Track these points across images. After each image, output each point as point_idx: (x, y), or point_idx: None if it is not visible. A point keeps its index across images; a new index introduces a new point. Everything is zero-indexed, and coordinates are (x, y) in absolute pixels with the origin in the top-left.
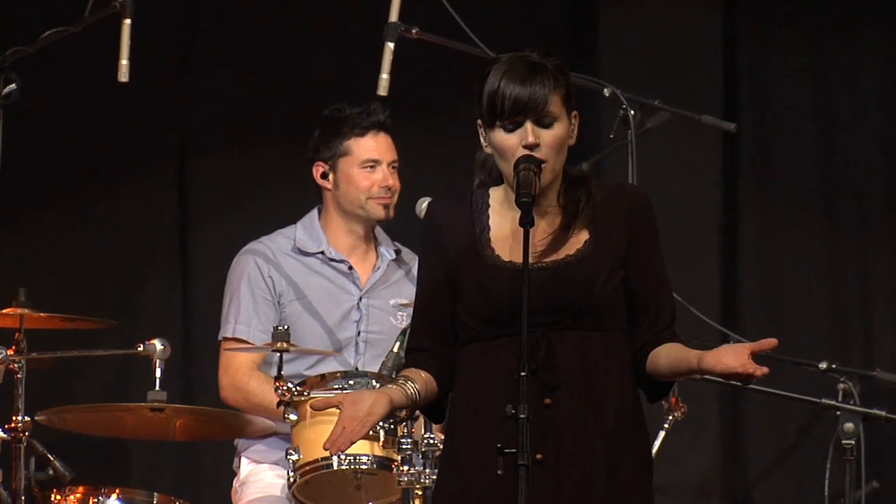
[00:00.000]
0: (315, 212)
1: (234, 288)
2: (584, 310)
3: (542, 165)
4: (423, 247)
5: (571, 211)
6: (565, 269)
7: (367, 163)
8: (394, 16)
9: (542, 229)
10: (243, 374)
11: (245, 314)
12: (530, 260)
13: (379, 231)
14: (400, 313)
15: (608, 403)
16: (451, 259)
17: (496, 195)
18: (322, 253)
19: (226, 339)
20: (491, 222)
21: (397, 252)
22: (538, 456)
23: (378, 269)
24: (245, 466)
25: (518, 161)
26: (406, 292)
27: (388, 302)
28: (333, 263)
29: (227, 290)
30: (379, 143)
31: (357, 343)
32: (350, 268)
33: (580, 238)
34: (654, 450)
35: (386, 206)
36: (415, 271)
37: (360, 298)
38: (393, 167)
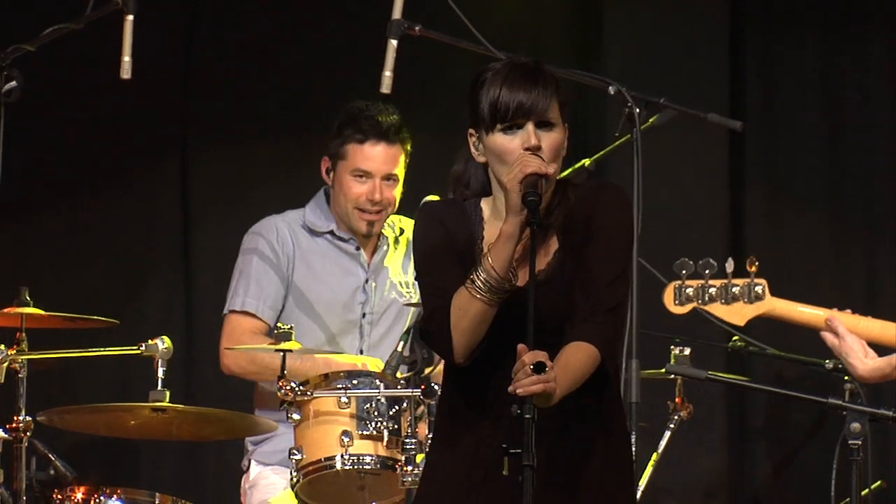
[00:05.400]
0: (322, 194)
1: (245, 263)
2: (557, 329)
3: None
4: (430, 238)
5: (544, 217)
6: (537, 289)
7: (358, 172)
8: (397, 13)
9: (521, 243)
10: (248, 338)
11: (255, 289)
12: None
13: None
14: (405, 291)
15: (588, 416)
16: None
17: (487, 207)
18: (331, 233)
19: (233, 311)
20: (486, 234)
21: (402, 231)
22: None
23: (379, 249)
24: (254, 467)
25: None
26: (409, 268)
27: (391, 281)
28: (341, 243)
29: (236, 266)
30: (375, 153)
31: (362, 325)
32: (357, 248)
33: (549, 250)
34: (660, 450)
35: (370, 223)
36: None
37: (366, 280)
38: (389, 180)
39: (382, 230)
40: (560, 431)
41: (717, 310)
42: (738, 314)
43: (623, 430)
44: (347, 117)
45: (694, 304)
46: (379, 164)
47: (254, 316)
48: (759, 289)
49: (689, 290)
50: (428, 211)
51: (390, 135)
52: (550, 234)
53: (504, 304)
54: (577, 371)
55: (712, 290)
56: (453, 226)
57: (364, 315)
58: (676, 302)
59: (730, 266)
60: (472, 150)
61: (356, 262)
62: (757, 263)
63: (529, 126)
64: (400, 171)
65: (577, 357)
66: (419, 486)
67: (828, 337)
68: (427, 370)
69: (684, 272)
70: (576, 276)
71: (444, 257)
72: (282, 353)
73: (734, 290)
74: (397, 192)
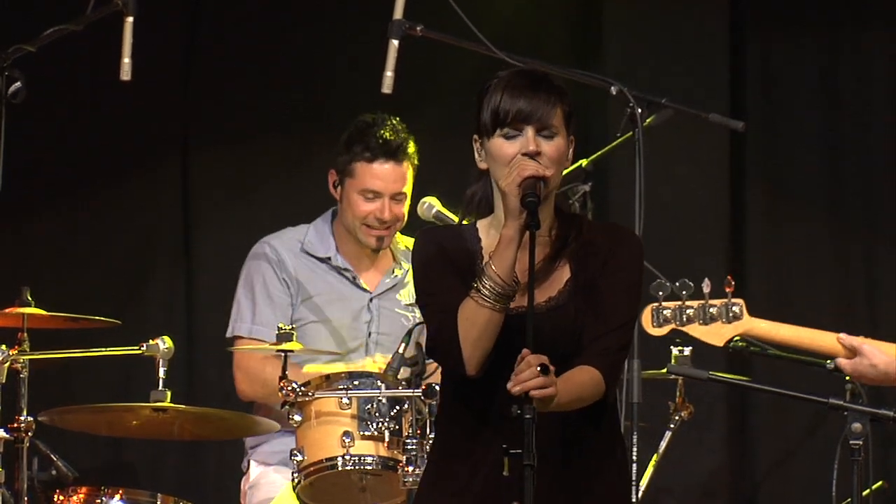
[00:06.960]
0: (329, 215)
1: (250, 288)
2: (563, 356)
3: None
4: (429, 258)
5: (559, 245)
6: (547, 315)
7: (367, 192)
8: (398, 13)
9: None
10: (257, 362)
11: (262, 315)
12: (514, 303)
13: (399, 235)
14: (411, 314)
15: (589, 445)
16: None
17: (484, 226)
18: (329, 259)
19: (240, 337)
20: (485, 251)
21: None
22: None
23: (393, 274)
24: (254, 468)
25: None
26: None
27: (402, 303)
28: (340, 271)
29: (241, 290)
30: (384, 173)
31: (367, 344)
32: (355, 277)
33: (562, 276)
34: (661, 450)
35: (379, 238)
36: None
37: (371, 300)
38: (397, 199)
39: (401, 262)
40: (562, 462)
41: (696, 331)
42: (716, 334)
43: (623, 457)
44: (356, 132)
45: (672, 326)
46: (388, 183)
47: (263, 342)
48: (736, 308)
49: (667, 312)
50: (425, 235)
51: (399, 153)
52: (563, 263)
53: (500, 341)
54: (579, 386)
55: (690, 311)
56: (451, 247)
57: (370, 334)
58: (654, 324)
59: (706, 287)
60: (476, 156)
61: (356, 288)
62: (734, 284)
63: (529, 132)
64: (408, 187)
65: (581, 376)
66: (419, 489)
67: (845, 365)
68: (425, 378)
69: (661, 293)
70: (588, 307)
71: (444, 275)
72: (278, 383)
73: (712, 310)
74: (405, 207)
